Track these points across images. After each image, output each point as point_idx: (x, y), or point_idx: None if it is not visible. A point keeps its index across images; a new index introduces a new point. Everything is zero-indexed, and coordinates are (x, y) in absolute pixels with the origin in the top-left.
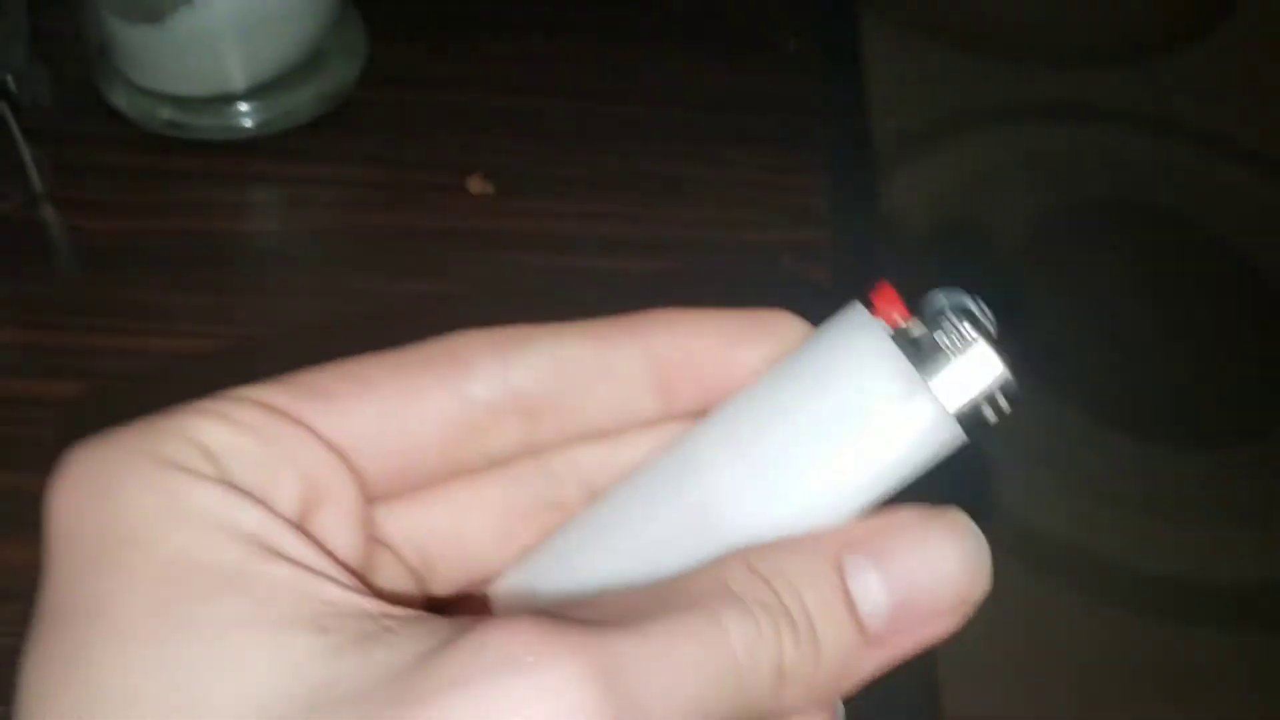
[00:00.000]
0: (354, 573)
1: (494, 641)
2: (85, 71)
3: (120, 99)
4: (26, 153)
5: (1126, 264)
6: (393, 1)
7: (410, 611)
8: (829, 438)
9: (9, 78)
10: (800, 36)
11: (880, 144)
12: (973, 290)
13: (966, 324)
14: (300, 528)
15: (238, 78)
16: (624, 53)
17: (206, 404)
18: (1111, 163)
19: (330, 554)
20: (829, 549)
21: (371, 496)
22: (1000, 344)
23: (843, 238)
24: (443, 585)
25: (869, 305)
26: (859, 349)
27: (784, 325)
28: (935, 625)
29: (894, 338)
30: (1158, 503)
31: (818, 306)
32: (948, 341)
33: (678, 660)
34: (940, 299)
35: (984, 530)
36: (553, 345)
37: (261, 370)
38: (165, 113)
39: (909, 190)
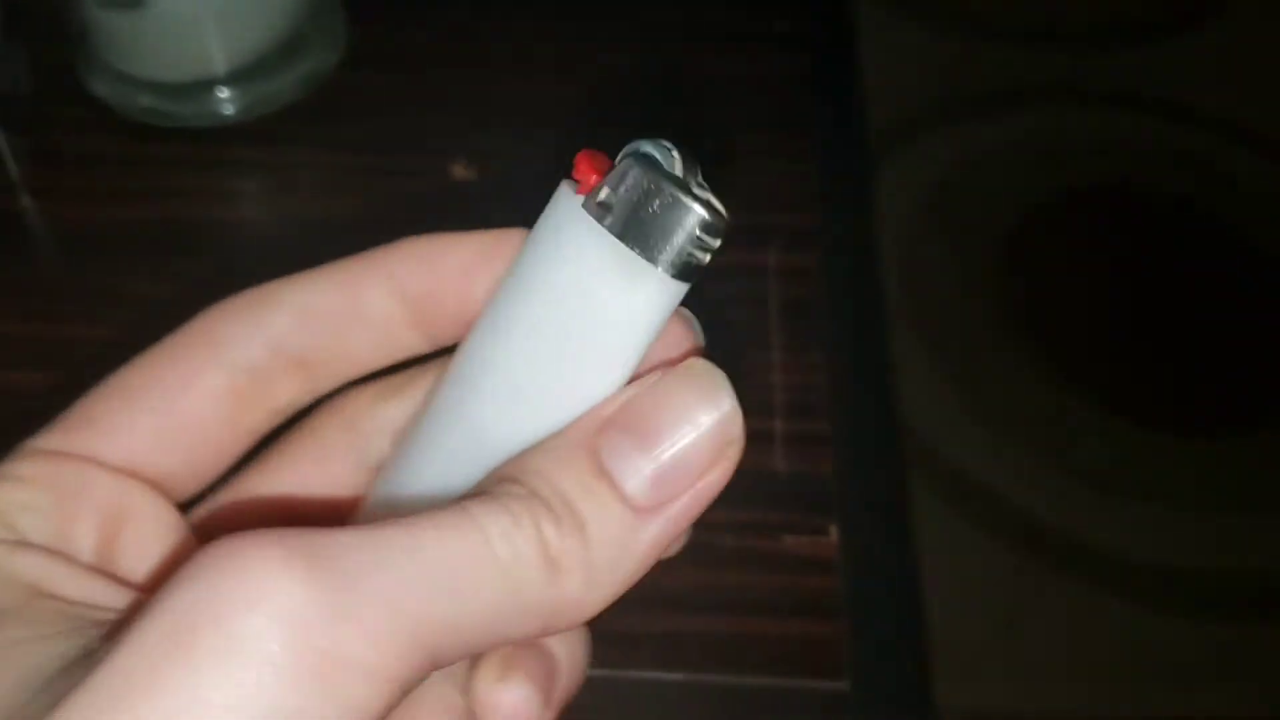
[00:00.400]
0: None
1: (211, 549)
2: (64, 58)
3: (99, 85)
4: (3, 141)
5: (1126, 250)
6: None
7: None
8: (562, 338)
9: None
10: (792, 20)
11: (874, 128)
12: (671, 141)
13: (652, 175)
14: (101, 556)
15: (218, 63)
16: (610, 35)
17: None
18: (1110, 147)
19: (123, 580)
20: (579, 434)
21: (183, 493)
22: (691, 185)
23: (835, 223)
24: None
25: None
26: (563, 240)
27: (513, 240)
28: (707, 480)
29: (594, 211)
30: (1158, 490)
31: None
32: (637, 198)
33: (424, 557)
34: (627, 159)
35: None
36: (300, 295)
37: None
38: (145, 99)
39: (903, 175)
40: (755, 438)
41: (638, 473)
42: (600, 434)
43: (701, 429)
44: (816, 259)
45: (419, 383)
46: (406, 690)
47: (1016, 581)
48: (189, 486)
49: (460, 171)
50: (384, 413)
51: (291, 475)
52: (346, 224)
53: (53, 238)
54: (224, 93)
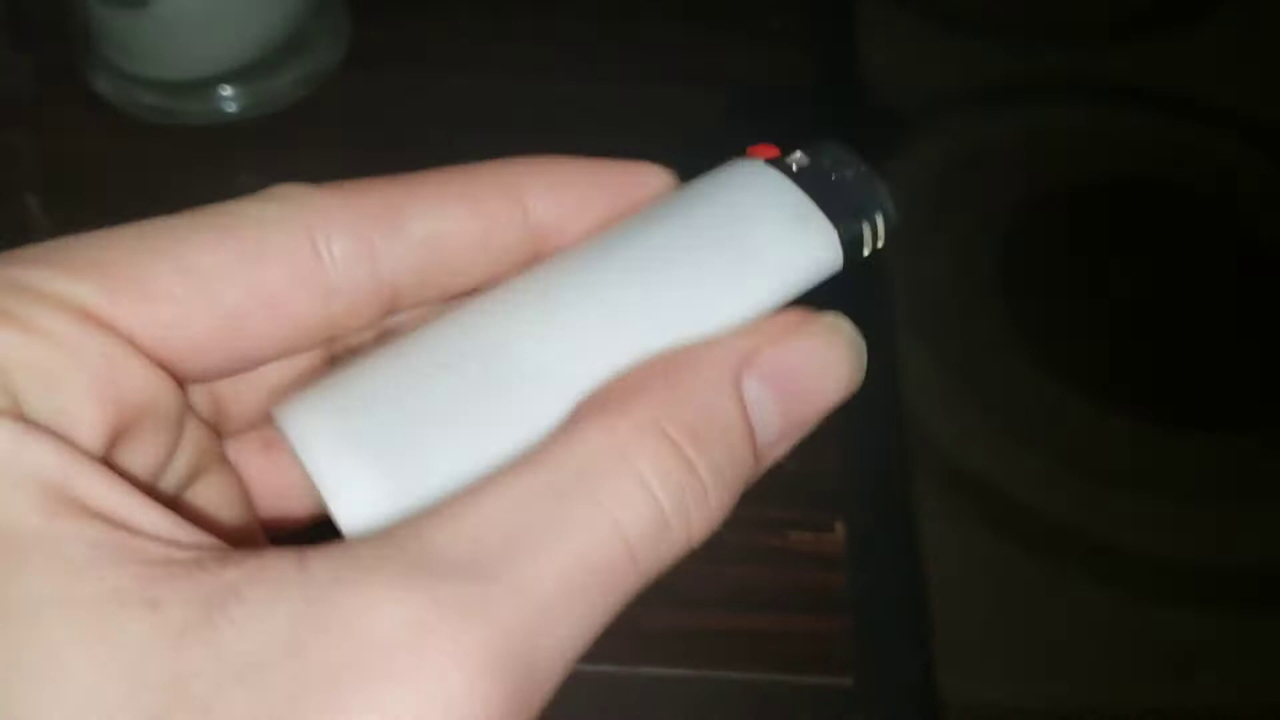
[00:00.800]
0: (170, 502)
1: (366, 630)
2: (67, 58)
3: (103, 85)
4: (8, 140)
5: (1129, 245)
6: None
7: (243, 554)
8: (720, 259)
9: None
10: (787, 16)
11: (870, 124)
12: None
13: (845, 155)
14: (105, 460)
15: (221, 61)
16: (607, 34)
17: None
18: (1113, 142)
19: (140, 489)
20: (724, 364)
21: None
22: (879, 175)
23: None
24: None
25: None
26: (740, 175)
27: (655, 176)
28: (809, 426)
29: (782, 168)
30: (1158, 484)
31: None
32: (829, 164)
33: (569, 597)
34: (816, 143)
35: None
36: (432, 220)
37: None
38: (149, 98)
39: (903, 171)
40: None
41: (771, 427)
42: (747, 372)
43: (833, 400)
44: None
45: None
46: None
47: (1020, 577)
48: (192, 378)
49: None
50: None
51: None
52: None
53: (58, 236)
54: (227, 91)
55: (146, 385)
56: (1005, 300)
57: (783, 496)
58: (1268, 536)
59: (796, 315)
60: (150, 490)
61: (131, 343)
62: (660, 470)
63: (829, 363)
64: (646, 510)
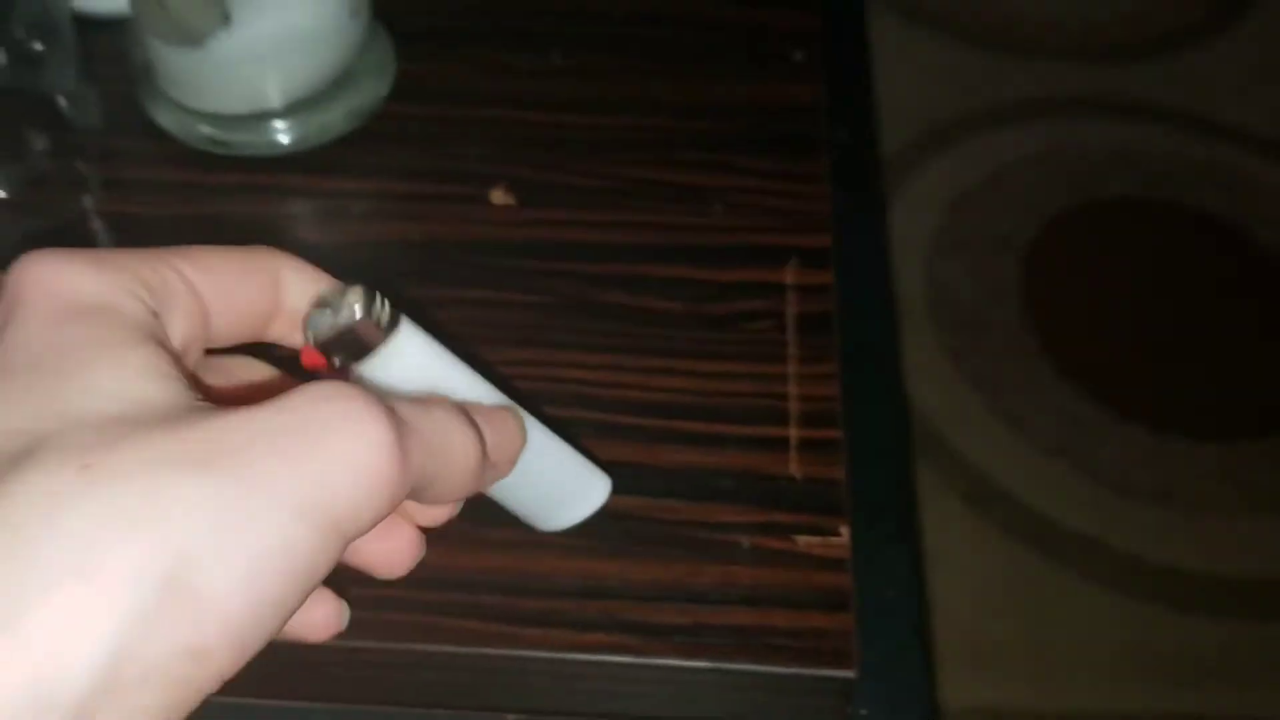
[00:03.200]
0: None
1: (315, 388)
2: (130, 91)
3: (164, 117)
4: (78, 170)
5: (1145, 259)
6: (420, 21)
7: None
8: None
9: (61, 99)
10: (808, 47)
11: (892, 143)
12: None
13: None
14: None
15: (274, 96)
16: (638, 67)
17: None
18: (1130, 158)
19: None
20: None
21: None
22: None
23: (849, 243)
24: None
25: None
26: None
27: (269, 259)
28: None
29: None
30: (1173, 494)
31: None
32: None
33: (445, 434)
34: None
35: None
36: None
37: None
38: (206, 129)
39: (924, 186)
40: (771, 444)
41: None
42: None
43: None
44: (832, 276)
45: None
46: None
47: (1030, 581)
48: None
49: (500, 197)
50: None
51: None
52: (395, 246)
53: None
54: (280, 124)
55: (201, 325)
56: (1026, 313)
57: (791, 503)
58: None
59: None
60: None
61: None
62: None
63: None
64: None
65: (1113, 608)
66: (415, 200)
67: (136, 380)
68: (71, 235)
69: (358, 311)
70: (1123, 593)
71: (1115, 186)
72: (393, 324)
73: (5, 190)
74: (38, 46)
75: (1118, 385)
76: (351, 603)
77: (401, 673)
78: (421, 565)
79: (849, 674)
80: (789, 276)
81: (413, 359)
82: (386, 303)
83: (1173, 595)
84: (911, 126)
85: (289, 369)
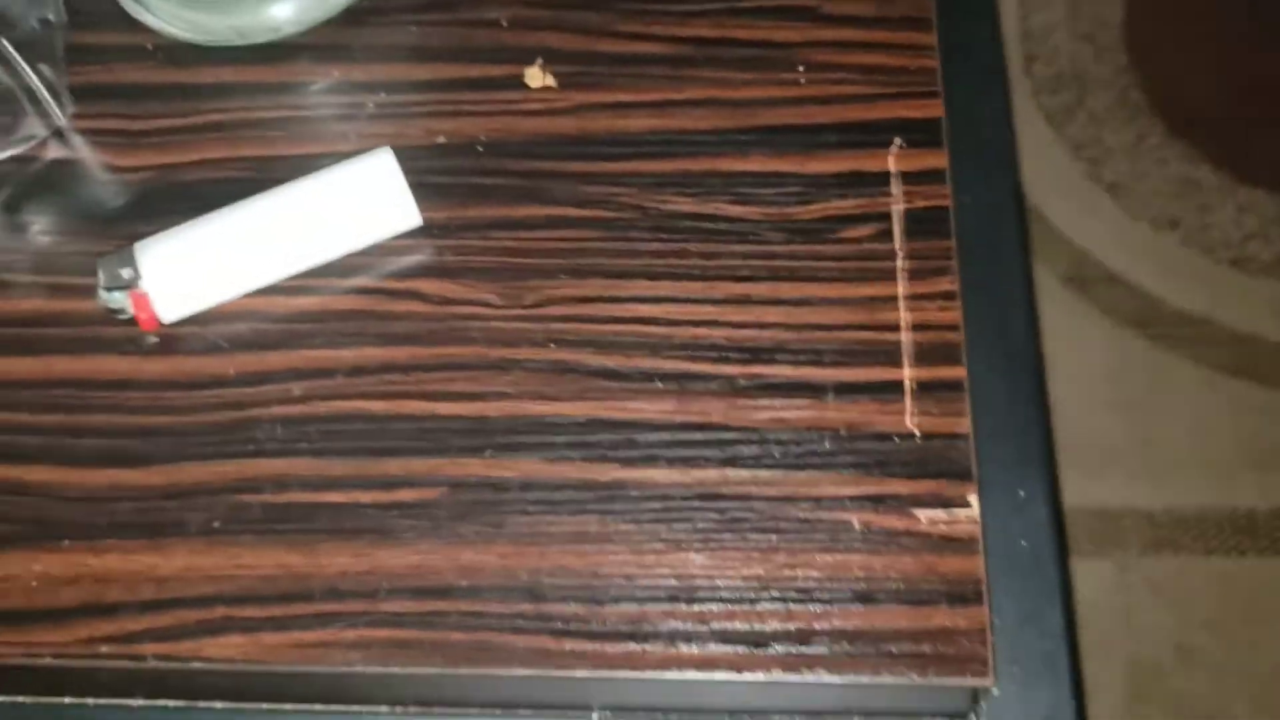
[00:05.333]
0: None
1: None
2: None
3: (140, 6)
4: (39, 85)
5: (1260, 10)
6: None
7: None
8: None
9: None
10: None
11: None
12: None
13: None
14: None
15: None
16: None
17: None
18: None
19: None
20: None
21: None
22: None
23: (960, 112)
24: None
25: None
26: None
27: None
28: None
29: None
30: None
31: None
32: None
33: None
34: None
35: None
36: None
37: None
38: (188, 14)
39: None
40: (880, 391)
41: None
42: None
43: None
44: (947, 156)
45: None
46: None
47: (1137, 368)
48: None
49: (537, 77)
50: None
51: None
52: (418, 152)
53: (104, 181)
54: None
55: None
56: (1131, 65)
57: (910, 468)
58: None
59: None
60: None
61: None
62: None
63: None
64: None
65: (1227, 394)
66: (438, 89)
67: None
68: (45, 162)
69: None
70: (1239, 376)
71: None
72: None
73: None
74: None
75: (1235, 145)
76: (400, 620)
77: (467, 687)
78: (480, 569)
79: (984, 683)
80: (893, 163)
81: None
82: None
83: None
84: None
85: None
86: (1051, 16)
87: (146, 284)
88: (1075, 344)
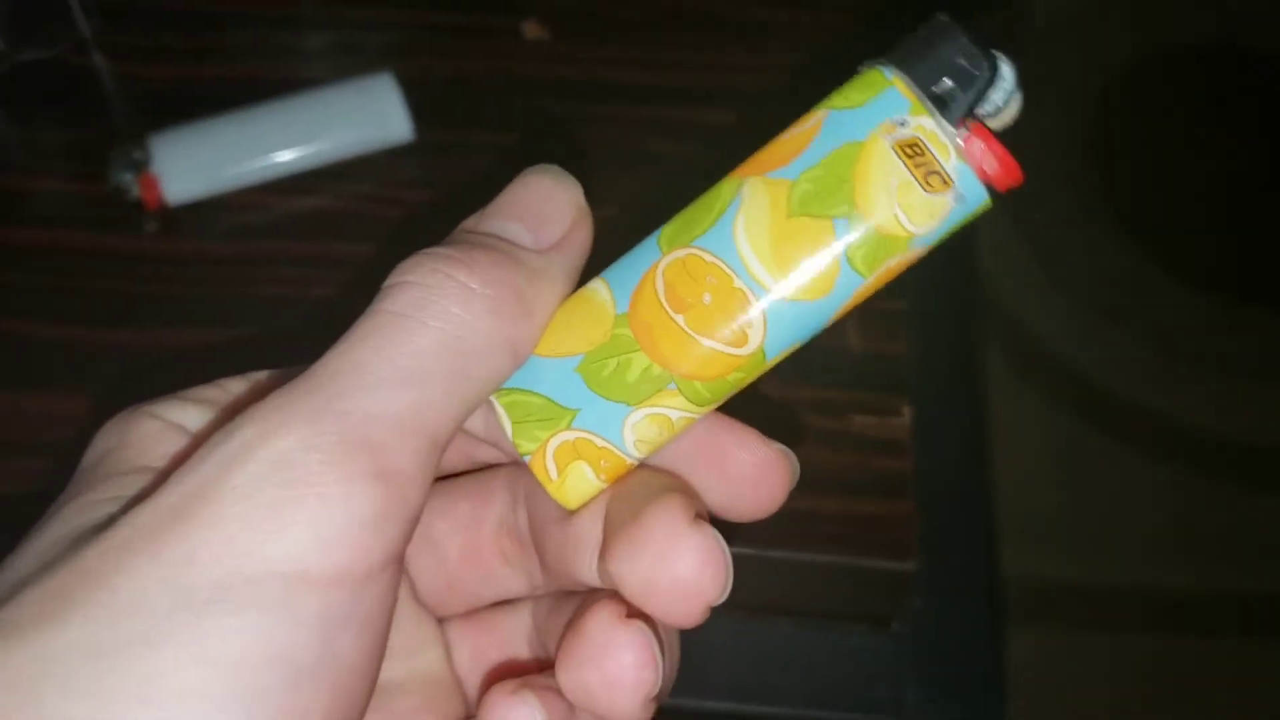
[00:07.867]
0: None
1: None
2: None
3: None
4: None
5: (1222, 114)
6: None
7: None
8: None
9: None
10: None
11: None
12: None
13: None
14: None
15: None
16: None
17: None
18: (1213, 5)
19: None
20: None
21: None
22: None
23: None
24: None
25: None
26: None
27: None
28: (581, 231)
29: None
30: (1239, 364)
31: None
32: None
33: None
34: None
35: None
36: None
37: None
38: None
39: (999, 31)
40: None
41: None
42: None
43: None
44: None
45: None
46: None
47: (1089, 454)
48: None
49: (534, 30)
50: None
51: None
52: (417, 84)
53: (125, 96)
54: None
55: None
56: (1093, 167)
57: (850, 379)
58: None
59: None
60: None
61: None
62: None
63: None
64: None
65: (1169, 482)
66: (440, 32)
67: None
68: (69, 71)
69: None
70: (1181, 467)
71: (1197, 34)
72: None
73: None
74: None
75: (1186, 247)
76: None
77: None
78: None
79: (907, 565)
80: None
81: None
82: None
83: (1234, 470)
84: None
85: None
86: (1021, 123)
87: (156, 167)
88: (1022, 428)
